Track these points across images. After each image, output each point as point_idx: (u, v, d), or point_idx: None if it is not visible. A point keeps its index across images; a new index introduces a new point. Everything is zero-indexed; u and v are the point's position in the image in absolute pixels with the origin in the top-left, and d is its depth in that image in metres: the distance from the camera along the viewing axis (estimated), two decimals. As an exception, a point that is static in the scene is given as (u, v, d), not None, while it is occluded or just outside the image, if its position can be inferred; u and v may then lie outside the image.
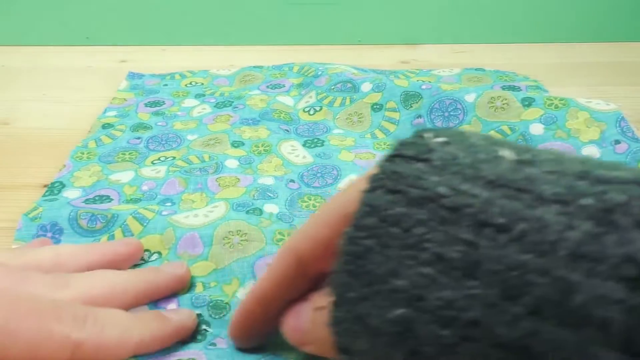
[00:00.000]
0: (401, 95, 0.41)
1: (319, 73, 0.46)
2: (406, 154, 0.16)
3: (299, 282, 0.20)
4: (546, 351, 0.13)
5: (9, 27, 0.58)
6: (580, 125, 0.35)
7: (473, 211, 0.14)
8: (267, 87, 0.47)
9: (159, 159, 0.36)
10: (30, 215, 0.30)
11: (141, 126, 0.41)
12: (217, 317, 0.25)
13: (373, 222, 0.16)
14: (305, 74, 0.48)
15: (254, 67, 0.51)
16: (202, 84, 0.48)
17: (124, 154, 0.37)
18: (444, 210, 0.15)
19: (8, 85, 0.49)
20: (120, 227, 0.29)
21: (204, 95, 0.46)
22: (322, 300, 0.18)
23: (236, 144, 0.38)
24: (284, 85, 0.47)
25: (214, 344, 0.23)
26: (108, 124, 0.41)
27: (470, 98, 0.38)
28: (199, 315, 0.25)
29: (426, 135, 0.17)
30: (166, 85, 0.48)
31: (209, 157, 0.36)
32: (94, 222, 0.30)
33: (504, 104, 0.37)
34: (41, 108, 0.45)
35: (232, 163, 0.36)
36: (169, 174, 0.34)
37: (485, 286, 0.13)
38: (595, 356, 0.12)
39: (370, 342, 0.16)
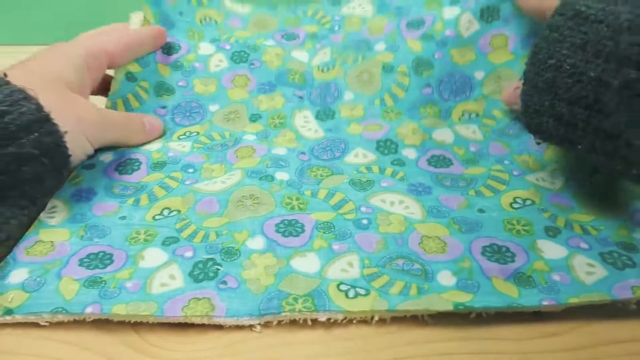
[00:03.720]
0: (413, 60, 0.41)
1: (335, 28, 0.46)
2: None
3: None
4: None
5: (8, 27, 0.58)
6: None
7: (592, 18, 0.26)
8: (282, 37, 0.46)
9: (184, 134, 0.39)
10: (72, 182, 0.33)
11: (163, 88, 0.42)
12: (228, 260, 0.27)
13: (546, 33, 0.29)
14: (321, 22, 0.48)
15: (268, 7, 0.50)
16: (216, 21, 0.47)
17: None
18: (580, 18, 0.27)
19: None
20: (147, 193, 0.33)
21: (219, 40, 0.45)
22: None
23: (254, 118, 0.40)
24: (298, 36, 0.46)
25: (225, 282, 0.26)
26: (130, 73, 0.41)
27: (479, 75, 0.40)
28: (212, 259, 0.27)
29: None
30: (181, 13, 0.46)
31: (230, 134, 0.39)
32: (125, 190, 0.33)
33: (509, 83, 0.39)
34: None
35: (249, 137, 0.39)
36: (194, 150, 0.37)
37: (591, 55, 0.26)
38: None
39: (537, 96, 0.29)
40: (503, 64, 0.40)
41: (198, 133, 0.39)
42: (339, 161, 0.36)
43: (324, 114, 0.41)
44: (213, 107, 0.42)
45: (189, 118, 0.41)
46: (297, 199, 0.32)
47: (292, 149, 0.37)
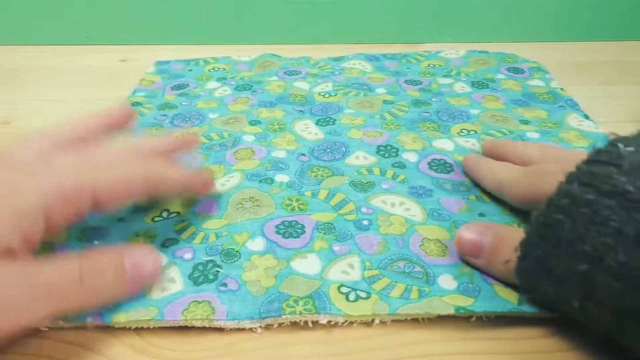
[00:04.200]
0: (412, 101, 0.45)
1: (336, 73, 0.50)
2: (601, 160, 0.22)
3: None
4: None
5: (8, 27, 0.57)
6: (572, 138, 0.39)
7: None
8: (285, 73, 0.50)
9: (182, 134, 0.39)
10: None
11: (167, 105, 0.44)
12: (228, 262, 0.27)
13: (566, 203, 0.22)
14: (322, 68, 0.51)
15: (272, 54, 0.54)
16: (224, 69, 0.51)
17: (150, 130, 0.40)
18: (628, 201, 0.20)
19: (8, 85, 0.50)
20: None
21: (225, 78, 0.49)
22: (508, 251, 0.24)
23: (253, 123, 0.41)
24: (300, 72, 0.50)
25: (225, 284, 0.26)
26: (137, 102, 0.44)
27: (475, 112, 0.43)
28: (212, 261, 0.27)
29: (619, 144, 0.22)
30: (191, 70, 0.51)
31: (228, 134, 0.39)
32: None
33: (504, 119, 0.41)
34: (41, 108, 0.45)
35: (248, 138, 0.39)
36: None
37: None
38: None
39: (553, 286, 0.22)
40: (497, 109, 0.43)
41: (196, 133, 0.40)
42: (340, 162, 0.36)
43: (324, 121, 0.41)
44: (213, 115, 0.43)
45: (188, 122, 0.42)
46: (297, 200, 0.32)
47: (291, 151, 0.37)
